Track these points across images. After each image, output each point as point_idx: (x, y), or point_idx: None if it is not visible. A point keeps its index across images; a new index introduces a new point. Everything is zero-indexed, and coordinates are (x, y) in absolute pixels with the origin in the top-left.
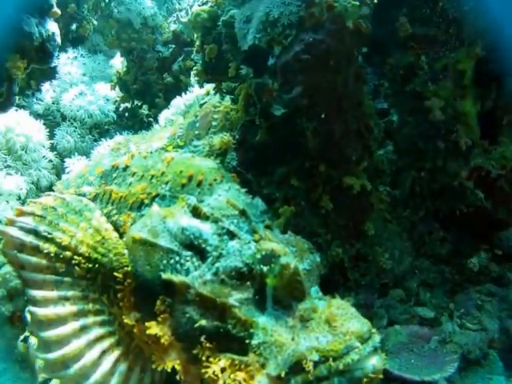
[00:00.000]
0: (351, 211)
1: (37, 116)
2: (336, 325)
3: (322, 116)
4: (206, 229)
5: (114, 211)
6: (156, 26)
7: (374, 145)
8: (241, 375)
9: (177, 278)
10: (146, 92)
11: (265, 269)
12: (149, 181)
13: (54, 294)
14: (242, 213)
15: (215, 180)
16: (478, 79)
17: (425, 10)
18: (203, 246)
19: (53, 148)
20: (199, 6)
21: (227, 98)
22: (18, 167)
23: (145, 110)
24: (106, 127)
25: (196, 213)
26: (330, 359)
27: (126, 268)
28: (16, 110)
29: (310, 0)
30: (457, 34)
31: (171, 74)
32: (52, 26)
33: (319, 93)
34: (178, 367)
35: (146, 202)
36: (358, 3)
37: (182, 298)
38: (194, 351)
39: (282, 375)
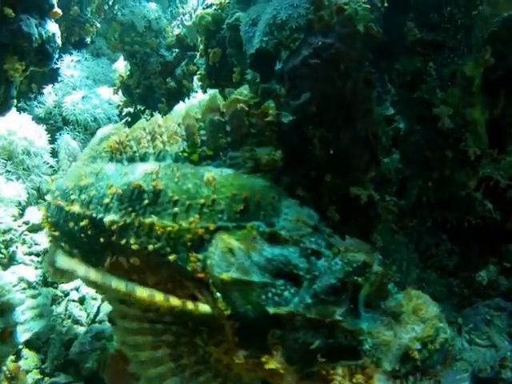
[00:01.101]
0: (358, 222)
1: (38, 120)
2: (422, 313)
3: (330, 123)
4: (291, 253)
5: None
6: (160, 30)
7: (382, 153)
8: (360, 377)
9: (283, 310)
10: (148, 96)
11: (360, 280)
12: (199, 211)
13: (149, 339)
14: (315, 229)
15: (274, 198)
16: (486, 86)
17: (432, 15)
18: (295, 271)
19: (54, 153)
20: (203, 8)
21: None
22: (18, 173)
23: (147, 116)
24: None
25: (274, 239)
26: (428, 343)
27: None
28: (19, 114)
29: (319, 2)
30: (465, 40)
31: (174, 78)
32: (52, 27)
33: (328, 99)
34: None
35: (207, 237)
36: (368, 6)
37: (291, 327)
38: (308, 369)
39: (397, 368)
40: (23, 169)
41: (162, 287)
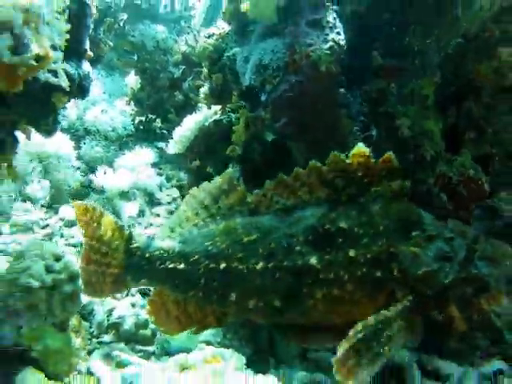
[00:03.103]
0: None
1: (62, 130)
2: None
3: (306, 138)
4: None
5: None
6: (167, 49)
7: None
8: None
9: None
10: (158, 107)
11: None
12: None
13: None
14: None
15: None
16: (441, 101)
17: (394, 44)
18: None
19: (79, 157)
20: (206, 37)
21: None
22: (48, 174)
23: (158, 123)
24: (124, 139)
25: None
26: None
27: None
28: None
29: (292, 49)
30: (421, 64)
31: (182, 92)
32: (87, 66)
33: (301, 121)
34: None
35: (393, 250)
36: (329, 52)
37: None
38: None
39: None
40: (52, 171)
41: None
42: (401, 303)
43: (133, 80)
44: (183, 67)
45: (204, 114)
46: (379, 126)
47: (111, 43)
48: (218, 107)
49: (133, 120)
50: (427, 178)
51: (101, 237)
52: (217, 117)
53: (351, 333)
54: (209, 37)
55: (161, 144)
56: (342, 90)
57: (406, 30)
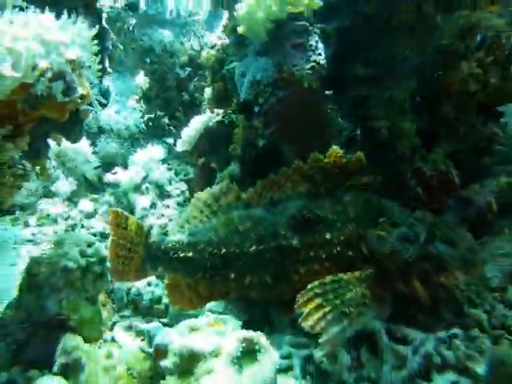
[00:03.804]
0: None
1: None
2: None
3: (294, 143)
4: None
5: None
6: (174, 52)
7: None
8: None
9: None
10: (167, 106)
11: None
12: (353, 221)
13: None
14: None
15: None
16: (415, 105)
17: (375, 54)
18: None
19: (94, 153)
20: (209, 48)
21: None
22: (68, 169)
23: (166, 121)
24: (136, 136)
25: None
26: None
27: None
28: None
29: (280, 68)
30: (399, 72)
31: (188, 92)
32: (106, 82)
33: (288, 129)
34: None
35: (362, 232)
36: (310, 72)
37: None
38: None
39: None
40: (71, 167)
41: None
42: (360, 271)
43: (142, 80)
44: (189, 69)
45: (208, 116)
46: (362, 128)
47: (121, 47)
48: (220, 110)
49: (142, 117)
50: (405, 173)
51: (126, 235)
52: (219, 118)
53: (308, 287)
54: (212, 47)
55: (169, 140)
56: (328, 93)
57: (386, 42)
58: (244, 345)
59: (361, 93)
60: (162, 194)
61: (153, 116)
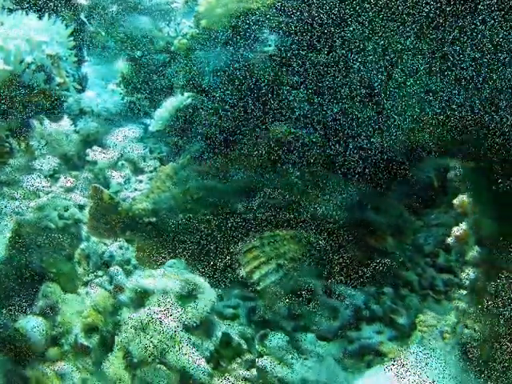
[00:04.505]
0: None
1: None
2: None
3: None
4: None
5: None
6: (152, 38)
7: None
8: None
9: None
10: (145, 89)
11: None
12: None
13: None
14: None
15: None
16: None
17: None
18: None
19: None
20: (181, 36)
21: None
22: (51, 147)
23: (145, 103)
24: (115, 118)
25: None
26: None
27: None
28: None
29: (237, 60)
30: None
31: (164, 77)
32: (86, 69)
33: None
34: None
35: None
36: (263, 63)
37: None
38: None
39: None
40: (54, 145)
41: None
42: (296, 230)
43: (122, 65)
44: (167, 55)
45: (179, 99)
46: None
47: (104, 33)
48: (190, 93)
49: (122, 99)
50: None
51: (102, 205)
52: (189, 101)
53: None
54: (184, 36)
55: (146, 121)
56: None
57: None
58: (186, 284)
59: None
60: (136, 170)
61: (132, 98)
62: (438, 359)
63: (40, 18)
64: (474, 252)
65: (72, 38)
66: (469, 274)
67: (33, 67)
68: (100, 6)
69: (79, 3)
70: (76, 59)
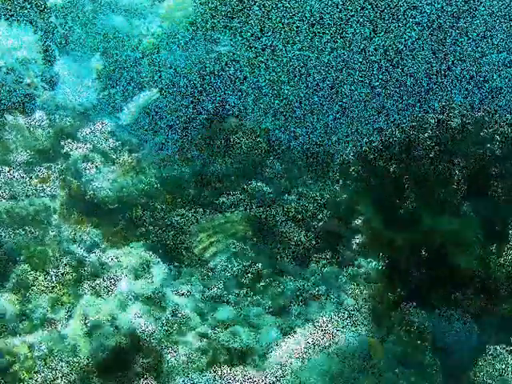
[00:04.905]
0: None
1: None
2: None
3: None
4: None
5: None
6: (126, 35)
7: None
8: None
9: None
10: (119, 84)
11: None
12: None
13: None
14: None
15: None
16: None
17: None
18: None
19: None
20: (151, 35)
21: None
22: (26, 141)
23: (119, 97)
24: (89, 112)
25: None
26: None
27: None
28: None
29: (198, 58)
30: None
31: (138, 73)
32: (56, 68)
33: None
34: None
35: None
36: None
37: None
38: None
39: None
40: (28, 139)
41: None
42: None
43: (97, 61)
44: (138, 53)
45: (148, 95)
46: None
47: (79, 31)
48: (156, 90)
49: (97, 95)
50: None
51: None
52: (157, 95)
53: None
54: (152, 35)
55: (119, 115)
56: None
57: None
58: (141, 260)
59: None
60: (108, 161)
61: (105, 94)
62: None
63: (10, 24)
64: None
65: (42, 43)
66: None
67: (4, 70)
68: (75, 5)
69: (53, 4)
70: (46, 60)
